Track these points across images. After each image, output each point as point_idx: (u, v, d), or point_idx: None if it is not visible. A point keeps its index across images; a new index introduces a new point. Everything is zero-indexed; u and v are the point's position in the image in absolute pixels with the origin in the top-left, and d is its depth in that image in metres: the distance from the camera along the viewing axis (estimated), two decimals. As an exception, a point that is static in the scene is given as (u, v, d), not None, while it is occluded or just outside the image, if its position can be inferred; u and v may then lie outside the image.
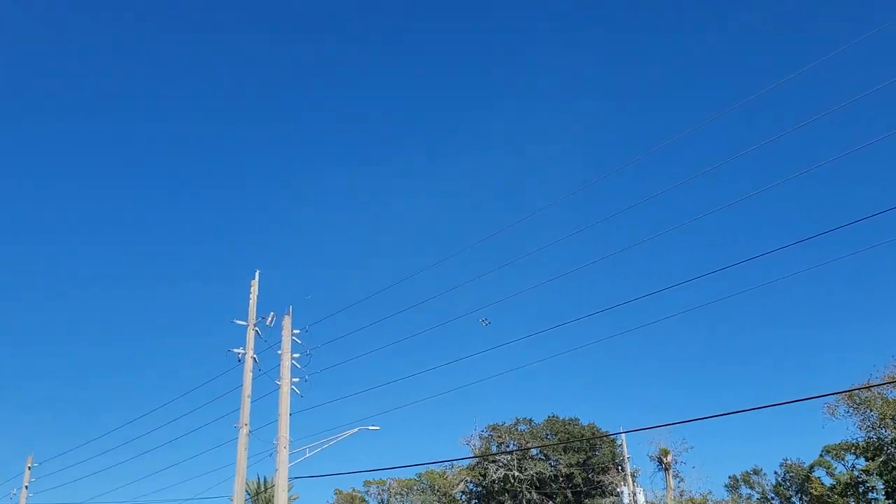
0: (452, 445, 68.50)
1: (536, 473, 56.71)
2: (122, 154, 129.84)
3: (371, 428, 29.94)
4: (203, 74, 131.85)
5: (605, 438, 57.01)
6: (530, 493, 56.95)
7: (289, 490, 32.53)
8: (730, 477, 70.20)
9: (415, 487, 63.09)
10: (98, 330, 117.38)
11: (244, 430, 24.41)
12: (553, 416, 60.23)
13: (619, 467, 56.62)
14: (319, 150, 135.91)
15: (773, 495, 65.93)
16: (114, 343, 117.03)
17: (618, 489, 55.49)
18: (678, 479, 56.70)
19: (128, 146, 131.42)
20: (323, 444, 27.64)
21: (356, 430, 29.08)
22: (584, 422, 59.53)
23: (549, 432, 59.39)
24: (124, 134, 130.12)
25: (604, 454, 57.56)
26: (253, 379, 25.54)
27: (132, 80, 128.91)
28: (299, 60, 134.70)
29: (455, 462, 61.96)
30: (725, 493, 67.06)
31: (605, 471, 57.12)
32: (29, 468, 48.01)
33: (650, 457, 56.96)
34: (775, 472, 66.16)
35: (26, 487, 47.36)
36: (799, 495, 61.99)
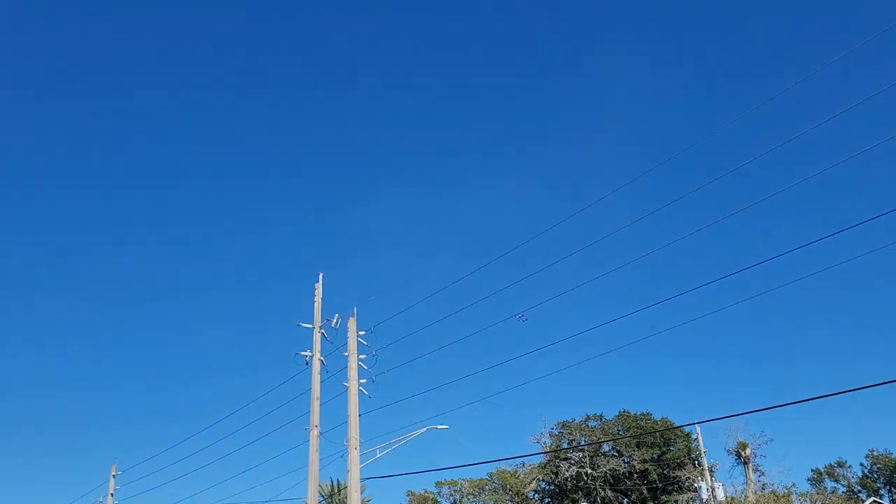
0: (522, 444, 67.94)
1: (610, 470, 55.75)
2: (191, 160, 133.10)
3: (440, 427, 29.87)
4: (267, 78, 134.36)
5: (679, 433, 55.66)
6: (604, 490, 56.02)
7: (361, 492, 32.75)
8: (813, 470, 67.77)
9: (486, 487, 62.79)
10: (173, 338, 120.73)
11: (315, 433, 24.61)
12: (624, 412, 59.16)
13: (696, 462, 55.18)
14: (380, 151, 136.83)
15: (859, 488, 63.26)
16: (188, 349, 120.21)
17: (695, 485, 54.09)
18: (758, 473, 54.89)
19: (191, 150, 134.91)
20: (393, 444, 27.70)
21: (425, 429, 29.06)
22: (657, 416, 58.28)
23: (620, 428, 58.35)
24: (186, 138, 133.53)
25: (679, 449, 56.19)
26: (321, 381, 25.75)
27: (214, 84, 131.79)
28: (361, 63, 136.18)
29: (526, 461, 61.49)
30: (809, 487, 64.71)
31: (680, 466, 55.75)
32: (113, 476, 49.63)
33: (728, 451, 55.36)
34: (861, 464, 63.56)
35: (111, 495, 48.97)
36: (888, 487, 59.31)
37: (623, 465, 56.33)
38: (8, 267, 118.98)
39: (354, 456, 25.21)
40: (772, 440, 54.96)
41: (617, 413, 59.34)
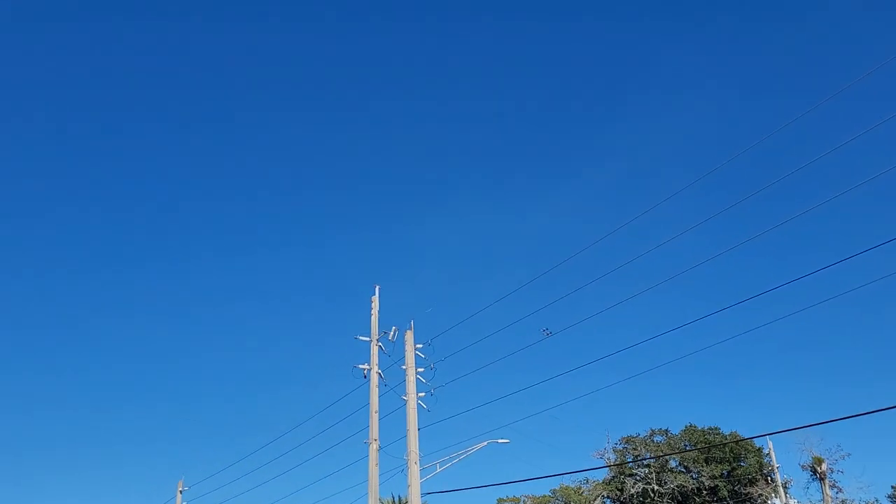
0: (584, 461, 66.60)
1: (677, 486, 54.03)
2: (246, 169, 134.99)
3: (500, 441, 29.37)
4: (328, 93, 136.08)
5: (750, 447, 53.60)
6: (672, 507, 54.32)
7: (423, 507, 32.37)
8: (893, 486, 64.30)
9: (550, 503, 61.62)
10: (229, 353, 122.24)
11: (374, 447, 24.41)
12: (691, 426, 57.34)
13: (769, 478, 53.05)
14: (437, 164, 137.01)
15: (947, 505, 59.75)
16: (248, 363, 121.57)
17: (768, 502, 51.97)
18: (836, 490, 52.38)
19: (249, 159, 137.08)
20: (453, 458, 27.32)
21: (485, 443, 28.61)
22: (726, 430, 56.29)
23: (687, 443, 56.54)
24: (245, 148, 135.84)
25: (750, 464, 54.10)
26: (379, 394, 25.59)
27: (279, 100, 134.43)
28: (421, 81, 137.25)
29: (590, 477, 60.10)
30: (891, 504, 61.42)
31: (752, 482, 53.64)
32: (180, 492, 50.47)
33: (802, 466, 53.00)
34: (948, 480, 59.96)
35: (179, 511, 49.78)
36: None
37: (691, 482, 54.53)
38: (74, 288, 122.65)
39: (415, 471, 24.92)
40: (849, 455, 52.37)
41: (683, 427, 57.60)
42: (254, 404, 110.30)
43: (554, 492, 60.95)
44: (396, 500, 54.28)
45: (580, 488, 60.09)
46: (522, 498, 63.18)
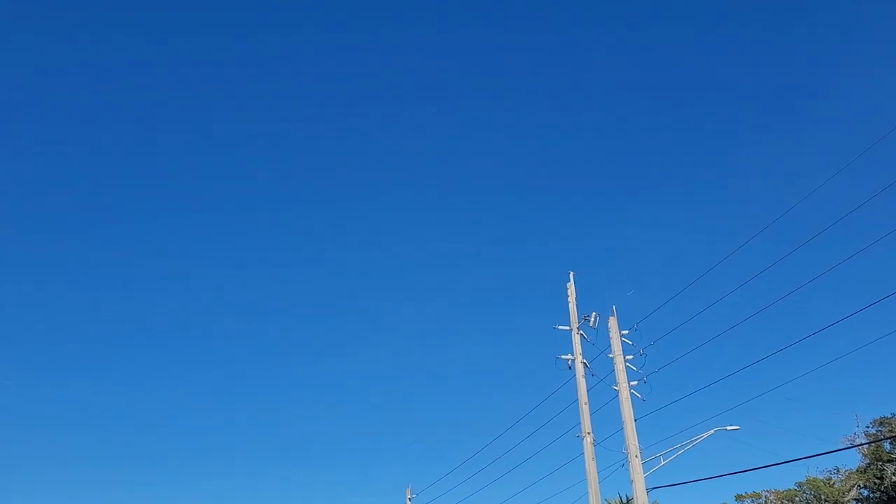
0: (829, 446, 59.93)
1: (951, 472, 46.96)
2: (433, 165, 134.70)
3: (729, 428, 26.88)
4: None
5: None
6: (947, 496, 47.24)
7: (651, 505, 30.45)
8: None
9: (796, 499, 56.15)
10: (439, 355, 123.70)
11: (588, 440, 23.13)
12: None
13: None
14: (637, 151, 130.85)
15: None
16: (453, 365, 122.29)
17: None
18: None
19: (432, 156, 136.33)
20: (677, 449, 25.31)
21: (712, 431, 26.25)
22: None
23: (958, 422, 49.10)
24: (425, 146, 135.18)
25: None
26: (587, 386, 24.29)
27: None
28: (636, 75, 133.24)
29: (841, 467, 54.07)
30: None
31: None
32: (409, 500, 51.99)
33: None
34: None
35: (410, 518, 51.24)
36: None
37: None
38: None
39: (636, 465, 23.33)
40: None
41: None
42: (466, 406, 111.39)
43: (800, 484, 55.51)
44: (623, 499, 52.15)
45: (830, 479, 54.28)
46: (764, 493, 58.22)
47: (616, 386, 24.31)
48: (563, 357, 24.49)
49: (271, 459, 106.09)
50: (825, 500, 54.18)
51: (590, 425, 23.45)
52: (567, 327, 25.04)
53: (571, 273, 25.81)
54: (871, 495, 52.80)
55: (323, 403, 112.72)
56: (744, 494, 59.43)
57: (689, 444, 25.62)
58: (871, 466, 51.02)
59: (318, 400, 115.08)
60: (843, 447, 51.17)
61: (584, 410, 23.53)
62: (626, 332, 25.14)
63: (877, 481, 50.68)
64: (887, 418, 51.65)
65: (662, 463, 24.90)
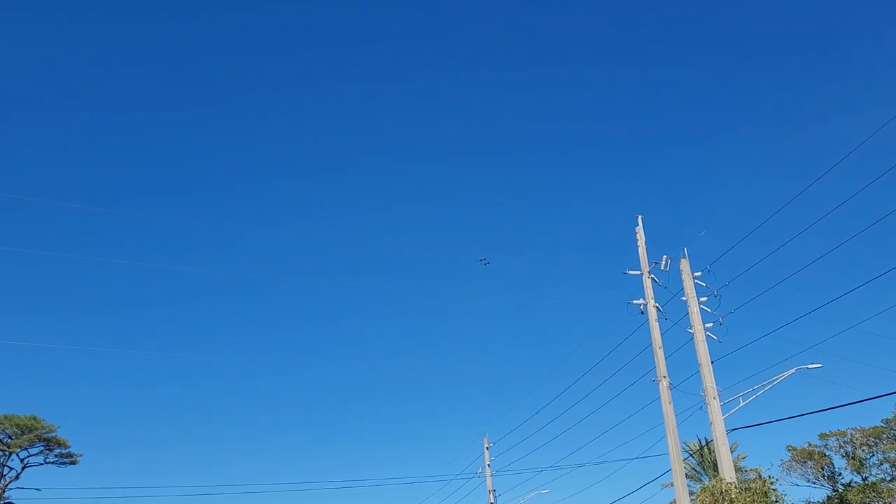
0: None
1: None
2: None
3: (811, 367, 26.22)
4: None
5: None
6: None
7: (733, 451, 30.15)
8: None
9: (883, 436, 54.58)
10: (506, 305, 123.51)
11: (664, 383, 22.97)
12: None
13: None
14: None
15: None
16: (521, 314, 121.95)
17: None
18: None
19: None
20: (756, 390, 24.87)
21: (793, 370, 25.67)
22: None
23: None
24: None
25: None
26: (661, 330, 23.99)
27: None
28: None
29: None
30: None
31: None
32: (487, 448, 52.93)
33: None
34: None
35: (488, 465, 52.24)
36: None
37: None
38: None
39: (715, 407, 23.10)
40: None
41: None
42: (537, 353, 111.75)
43: (887, 421, 53.93)
44: (702, 441, 51.82)
45: (922, 416, 52.52)
46: (849, 431, 56.80)
47: (691, 329, 23.96)
48: (635, 302, 24.23)
49: (349, 411, 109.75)
50: (915, 436, 52.56)
51: (665, 369, 23.25)
52: (637, 272, 24.70)
53: (640, 217, 25.36)
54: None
55: (400, 356, 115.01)
56: (828, 433, 58.13)
57: (769, 384, 25.13)
58: (965, 400, 49.02)
59: (391, 352, 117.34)
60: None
61: (659, 354, 23.32)
62: (699, 273, 24.66)
63: (970, 415, 48.79)
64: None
65: (742, 404, 24.53)
